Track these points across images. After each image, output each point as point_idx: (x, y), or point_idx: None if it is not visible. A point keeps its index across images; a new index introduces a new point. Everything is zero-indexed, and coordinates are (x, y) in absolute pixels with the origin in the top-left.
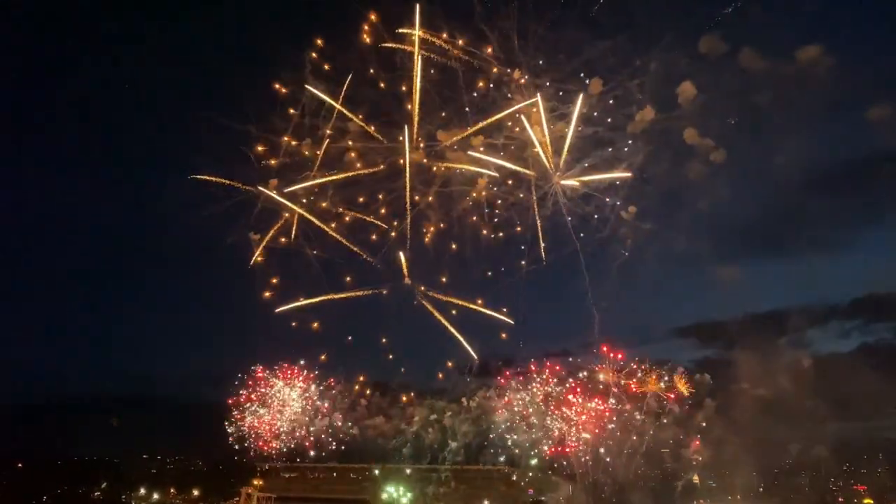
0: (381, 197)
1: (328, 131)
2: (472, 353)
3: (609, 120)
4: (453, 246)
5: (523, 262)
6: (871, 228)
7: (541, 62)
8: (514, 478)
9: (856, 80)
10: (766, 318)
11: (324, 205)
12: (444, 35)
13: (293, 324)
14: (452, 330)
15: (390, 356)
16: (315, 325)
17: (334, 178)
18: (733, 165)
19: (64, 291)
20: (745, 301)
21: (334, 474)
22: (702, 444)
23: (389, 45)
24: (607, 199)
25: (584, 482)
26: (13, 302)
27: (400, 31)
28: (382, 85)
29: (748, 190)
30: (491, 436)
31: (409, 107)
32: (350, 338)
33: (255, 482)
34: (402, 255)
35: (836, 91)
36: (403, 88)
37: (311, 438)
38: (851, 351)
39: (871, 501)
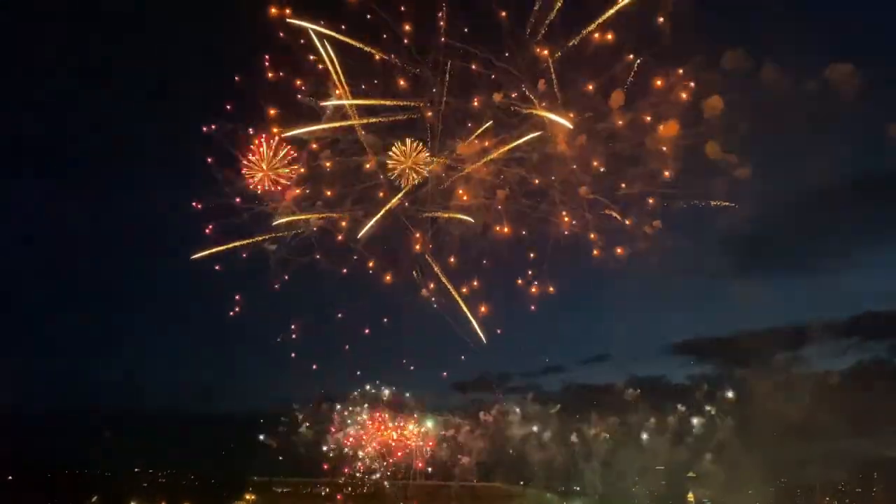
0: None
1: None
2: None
3: (631, 134)
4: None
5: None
6: (871, 245)
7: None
8: (511, 496)
9: (878, 95)
10: (762, 334)
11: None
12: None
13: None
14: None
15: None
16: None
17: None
18: (740, 181)
19: (55, 301)
20: (741, 317)
21: (327, 489)
22: (698, 460)
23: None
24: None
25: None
26: (2, 311)
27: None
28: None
29: (747, 206)
30: (510, 451)
31: (431, 117)
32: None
33: (247, 496)
34: (416, 271)
35: (856, 107)
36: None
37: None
38: (847, 368)
39: None
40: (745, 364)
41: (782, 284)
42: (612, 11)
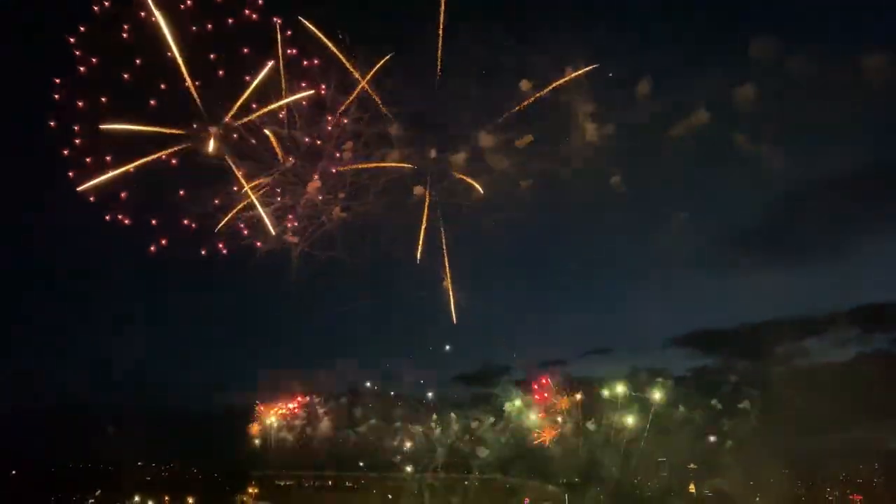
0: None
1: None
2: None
3: (656, 122)
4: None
5: None
6: (872, 236)
7: (593, 66)
8: (513, 489)
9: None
10: (763, 327)
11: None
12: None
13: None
14: None
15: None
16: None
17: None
18: (743, 171)
19: (58, 295)
20: (742, 310)
21: (329, 482)
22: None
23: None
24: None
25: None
26: (5, 305)
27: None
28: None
29: (752, 196)
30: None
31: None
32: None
33: (251, 490)
34: (446, 264)
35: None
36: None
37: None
38: (848, 360)
39: None
40: (747, 356)
41: (782, 276)
42: None
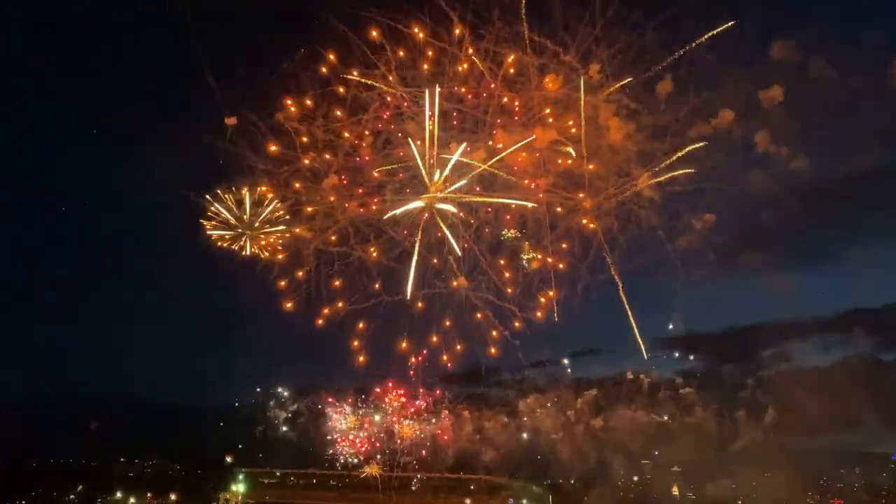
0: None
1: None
2: None
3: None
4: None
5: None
6: (858, 242)
7: (617, 69)
8: (499, 487)
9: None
10: (748, 330)
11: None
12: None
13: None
14: None
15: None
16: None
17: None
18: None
19: (41, 292)
20: (729, 313)
21: (314, 481)
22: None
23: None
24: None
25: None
26: None
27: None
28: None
29: (742, 201)
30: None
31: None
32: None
33: (234, 487)
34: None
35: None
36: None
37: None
38: (832, 365)
39: None
40: (733, 359)
41: (769, 281)
42: None
